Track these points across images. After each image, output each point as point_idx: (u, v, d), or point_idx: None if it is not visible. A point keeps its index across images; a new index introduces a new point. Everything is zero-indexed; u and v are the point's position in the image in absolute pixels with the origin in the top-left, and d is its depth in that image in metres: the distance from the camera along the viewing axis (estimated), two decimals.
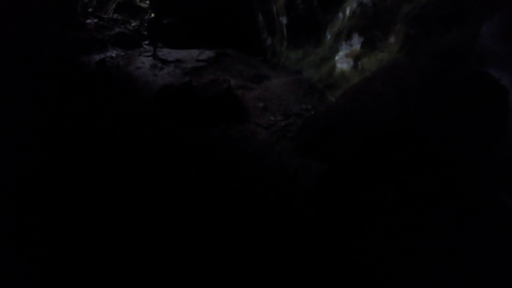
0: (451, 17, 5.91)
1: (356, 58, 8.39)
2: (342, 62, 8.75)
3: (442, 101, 3.59)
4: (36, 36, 11.26)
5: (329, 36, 9.45)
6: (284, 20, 11.03)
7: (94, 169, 4.84)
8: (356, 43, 8.48)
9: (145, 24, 17.56)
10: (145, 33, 16.44)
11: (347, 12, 8.75)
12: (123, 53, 12.67)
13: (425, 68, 4.04)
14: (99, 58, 11.50)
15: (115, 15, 19.39)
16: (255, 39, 13.29)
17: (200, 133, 6.38)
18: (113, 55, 12.36)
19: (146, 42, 15.18)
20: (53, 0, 15.68)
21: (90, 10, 19.22)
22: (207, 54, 11.71)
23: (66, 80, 9.30)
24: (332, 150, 3.97)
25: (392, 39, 7.52)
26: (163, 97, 7.63)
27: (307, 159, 4.48)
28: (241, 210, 4.12)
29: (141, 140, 5.88)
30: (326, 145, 4.07)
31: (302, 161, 4.58)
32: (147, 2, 20.49)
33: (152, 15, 16.97)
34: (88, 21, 16.85)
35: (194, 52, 12.15)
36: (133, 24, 17.94)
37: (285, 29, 11.07)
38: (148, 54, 12.30)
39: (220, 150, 5.73)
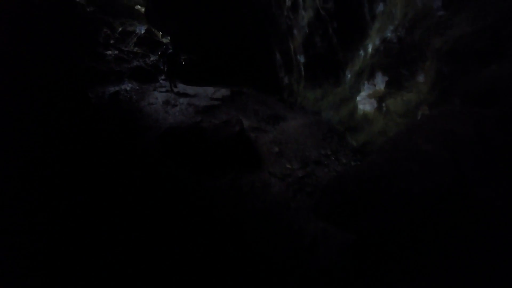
0: (489, 51, 5.20)
1: (380, 99, 7.69)
2: (364, 103, 8.05)
3: (504, 160, 2.79)
4: (54, 63, 11.21)
5: (349, 75, 8.85)
6: (301, 58, 10.57)
7: (92, 210, 4.27)
8: (380, 82, 7.79)
9: (164, 59, 17.76)
10: (163, 68, 16.51)
11: (369, 49, 8.14)
12: (138, 87, 12.55)
13: (479, 117, 3.23)
14: (114, 91, 11.40)
15: (136, 49, 19.65)
16: (272, 78, 12.91)
17: (206, 182, 5.70)
18: (128, 88, 12.25)
19: (163, 77, 15.16)
20: (76, 29, 16.03)
21: (111, 41, 19.56)
22: (222, 92, 11.37)
23: (76, 110, 9.08)
24: (362, 220, 3.15)
25: (420, 78, 6.81)
26: (170, 137, 7.08)
27: (329, 226, 3.69)
28: (245, 283, 3.34)
29: (142, 185, 5.26)
30: (354, 213, 3.25)
31: (322, 227, 3.79)
32: (168, 37, 20.81)
33: (171, 50, 17.07)
34: (109, 52, 17.07)
35: (209, 90, 11.85)
36: (151, 58, 18.07)
37: (302, 68, 10.58)
38: (163, 89, 12.14)
39: (227, 205, 4.99)
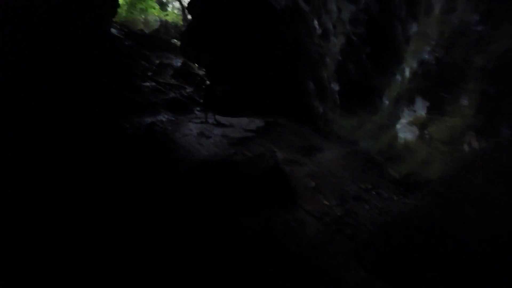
0: None
1: (422, 126, 7.20)
2: (404, 131, 7.58)
3: None
4: (93, 95, 11.78)
5: (387, 102, 8.43)
6: (336, 86, 10.29)
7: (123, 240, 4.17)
8: (420, 108, 7.32)
9: (199, 91, 18.17)
10: (198, 99, 16.82)
11: (406, 73, 7.73)
12: (173, 118, 12.77)
13: None
14: (149, 121, 11.59)
15: (172, 81, 20.28)
16: (306, 107, 12.67)
17: (238, 220, 5.45)
18: (164, 119, 12.47)
19: (198, 108, 15.39)
20: (114, 62, 16.80)
21: (149, 74, 20.33)
22: (256, 123, 11.26)
23: (113, 140, 9.30)
24: (410, 277, 2.74)
25: (464, 101, 6.32)
26: (202, 171, 6.97)
27: (372, 278, 3.30)
28: None
29: (173, 219, 5.11)
30: (402, 267, 2.86)
31: (364, 278, 3.40)
32: (203, 69, 21.38)
33: (207, 82, 17.44)
34: (146, 84, 17.71)
35: (244, 121, 11.80)
36: (187, 90, 18.53)
37: (337, 96, 10.28)
38: (198, 121, 12.18)
39: (260, 247, 4.70)
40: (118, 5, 16.96)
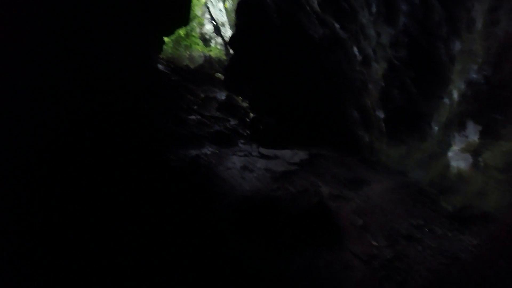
0: None
1: (475, 152, 6.62)
2: (457, 159, 7.01)
3: None
4: (140, 128, 12.35)
5: (436, 128, 7.91)
6: (381, 114, 9.90)
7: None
8: (472, 133, 6.75)
9: (243, 123, 18.47)
10: (242, 132, 17.06)
11: (454, 95, 7.21)
12: (217, 151, 12.91)
13: None
14: (194, 154, 11.78)
15: (217, 113, 20.80)
16: (350, 136, 12.31)
17: (277, 261, 5.26)
18: (208, 152, 12.65)
19: (242, 141, 15.54)
20: (163, 97, 17.63)
21: (195, 107, 21.05)
22: (300, 156, 11.04)
23: (158, 172, 9.55)
24: None
25: None
26: (243, 208, 6.92)
27: None
28: None
29: (211, 256, 5.06)
30: None
31: None
32: (247, 102, 21.80)
33: (251, 114, 17.78)
34: (192, 117, 18.28)
35: (287, 153, 11.61)
36: (231, 123, 18.86)
37: (383, 124, 9.86)
38: (241, 154, 12.27)
39: None
40: (163, 43, 17.94)
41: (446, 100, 7.45)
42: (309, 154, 11.21)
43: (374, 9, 8.68)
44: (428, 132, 8.10)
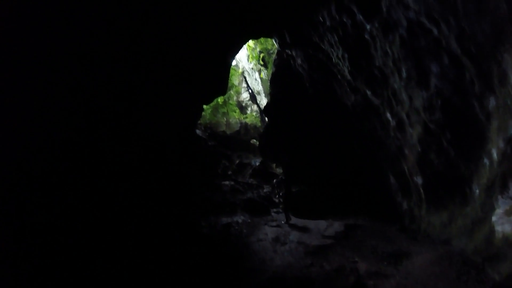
0: None
1: None
2: (501, 222, 6.44)
3: None
4: (179, 193, 12.51)
5: (477, 191, 7.46)
6: (419, 179, 9.58)
7: None
8: None
9: (276, 191, 18.33)
10: (275, 199, 16.89)
11: (494, 155, 6.83)
12: (249, 220, 12.74)
13: None
14: (226, 222, 11.74)
15: (250, 180, 20.92)
16: (388, 204, 11.88)
17: None
18: (240, 220, 12.50)
19: (275, 210, 15.32)
20: (200, 161, 18.01)
21: (229, 173, 21.30)
22: (335, 227, 10.79)
23: (188, 239, 9.41)
24: None
25: None
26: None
27: None
28: None
29: None
30: None
31: None
32: (281, 168, 21.87)
33: (285, 182, 17.74)
34: (226, 182, 18.45)
35: (322, 225, 11.38)
36: (265, 190, 18.80)
37: (421, 190, 9.48)
38: (274, 223, 12.05)
39: None
40: (203, 110, 18.94)
41: (486, 161, 7.13)
42: (345, 225, 10.91)
43: (404, 74, 8.86)
44: (470, 195, 7.66)
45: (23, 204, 5.17)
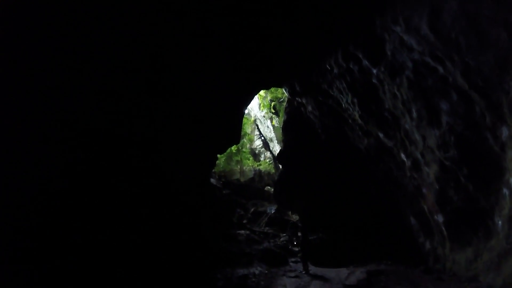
0: None
1: None
2: None
3: None
4: (194, 245, 12.35)
5: (500, 222, 7.27)
6: (439, 217, 9.40)
7: None
8: None
9: (293, 239, 17.89)
10: (292, 248, 16.46)
11: None
12: (266, 271, 12.36)
13: None
14: (242, 274, 11.38)
15: (266, 228, 20.57)
16: (410, 245, 11.55)
17: None
18: (257, 272, 12.13)
19: (293, 259, 14.89)
20: (214, 211, 17.89)
21: (244, 221, 21.01)
22: (357, 275, 10.42)
23: None
24: None
25: None
26: None
27: None
28: None
29: None
30: None
31: None
32: (297, 216, 21.54)
33: (301, 230, 17.42)
34: (241, 232, 18.13)
35: (343, 273, 11.06)
36: (282, 239, 18.41)
37: (443, 228, 9.27)
38: (292, 274, 11.69)
39: None
40: (217, 158, 19.21)
41: (505, 191, 7.02)
42: (367, 272, 10.51)
43: (415, 114, 9.06)
44: (493, 228, 7.47)
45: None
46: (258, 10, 9.91)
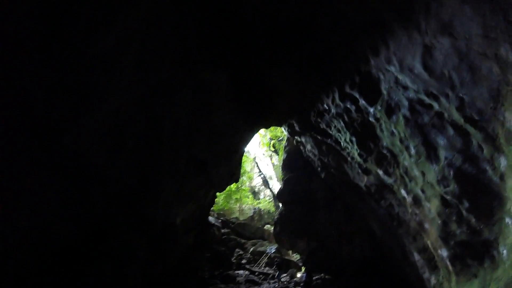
0: None
1: None
2: None
3: None
4: None
5: (505, 251, 7.23)
6: (443, 252, 9.31)
7: None
8: None
9: (295, 281, 17.45)
10: None
11: None
12: None
13: None
14: None
15: (266, 269, 20.16)
16: (415, 281, 11.38)
17: None
18: None
19: None
20: (212, 251, 17.50)
21: (243, 262, 20.57)
22: None
23: None
24: None
25: None
26: None
27: None
28: None
29: None
30: None
31: None
32: (297, 255, 21.12)
33: (303, 271, 17.01)
34: (240, 272, 17.71)
35: None
36: (282, 280, 18.01)
37: (448, 262, 9.17)
38: None
39: None
40: (216, 197, 19.16)
41: (508, 220, 7.02)
42: None
43: (413, 151, 9.24)
44: (498, 258, 7.40)
45: None
46: (254, 59, 10.46)
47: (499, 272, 7.38)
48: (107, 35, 5.75)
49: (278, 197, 20.78)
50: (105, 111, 6.72)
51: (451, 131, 7.75)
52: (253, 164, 34.08)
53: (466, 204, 7.98)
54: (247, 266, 19.92)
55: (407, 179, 10.39)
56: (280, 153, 25.47)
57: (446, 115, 7.74)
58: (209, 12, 8.99)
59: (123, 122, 7.61)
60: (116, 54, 6.22)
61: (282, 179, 20.92)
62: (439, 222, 9.23)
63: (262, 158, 32.18)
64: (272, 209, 29.04)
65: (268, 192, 31.81)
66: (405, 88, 8.45)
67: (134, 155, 8.32)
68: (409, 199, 10.68)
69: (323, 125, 13.53)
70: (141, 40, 6.83)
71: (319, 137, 14.69)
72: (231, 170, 16.18)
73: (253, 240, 24.02)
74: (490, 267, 7.65)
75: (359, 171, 13.39)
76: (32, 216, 5.80)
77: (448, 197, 8.54)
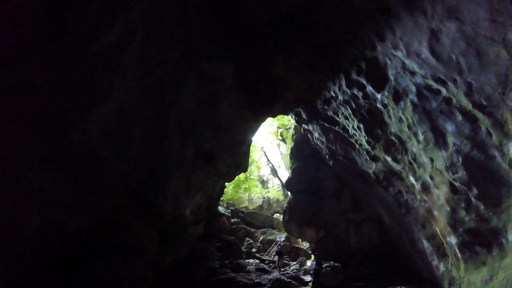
0: None
1: None
2: None
3: None
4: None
5: None
6: (452, 239, 9.28)
7: None
8: None
9: (305, 268, 17.55)
10: (304, 277, 16.10)
11: None
12: None
13: None
14: None
15: (275, 257, 20.27)
16: (424, 268, 11.41)
17: None
18: None
19: None
20: (223, 242, 17.69)
21: (253, 250, 20.76)
22: None
23: None
24: None
25: None
26: None
27: None
28: None
29: None
30: None
31: None
32: (307, 243, 21.22)
33: (312, 258, 17.08)
34: (250, 261, 17.87)
35: None
36: (292, 268, 18.12)
37: (456, 249, 9.15)
38: None
39: None
40: (225, 187, 19.25)
41: None
42: None
43: (421, 137, 9.15)
44: (507, 246, 7.36)
45: None
46: (259, 49, 10.37)
47: (508, 260, 7.34)
48: (111, 29, 5.73)
49: (286, 186, 20.79)
50: (110, 105, 6.74)
51: (459, 117, 7.64)
52: (261, 153, 34.08)
53: (475, 191, 7.91)
54: (257, 255, 20.08)
55: (415, 166, 10.31)
56: (287, 142, 25.41)
57: (454, 100, 7.63)
58: (212, 2, 8.90)
59: (129, 115, 7.63)
60: (119, 49, 6.20)
61: (290, 168, 20.91)
62: (448, 209, 9.18)
63: (270, 147, 32.19)
64: (281, 197, 29.09)
65: (276, 181, 31.86)
66: (412, 73, 8.33)
67: (142, 148, 8.37)
68: (417, 185, 10.61)
69: (330, 113, 13.43)
70: (144, 33, 6.79)
71: (326, 125, 14.60)
72: (239, 160, 16.19)
73: (263, 229, 24.15)
74: (499, 255, 7.61)
75: (367, 158, 13.30)
76: (43, 212, 5.90)
77: (457, 184, 8.47)
